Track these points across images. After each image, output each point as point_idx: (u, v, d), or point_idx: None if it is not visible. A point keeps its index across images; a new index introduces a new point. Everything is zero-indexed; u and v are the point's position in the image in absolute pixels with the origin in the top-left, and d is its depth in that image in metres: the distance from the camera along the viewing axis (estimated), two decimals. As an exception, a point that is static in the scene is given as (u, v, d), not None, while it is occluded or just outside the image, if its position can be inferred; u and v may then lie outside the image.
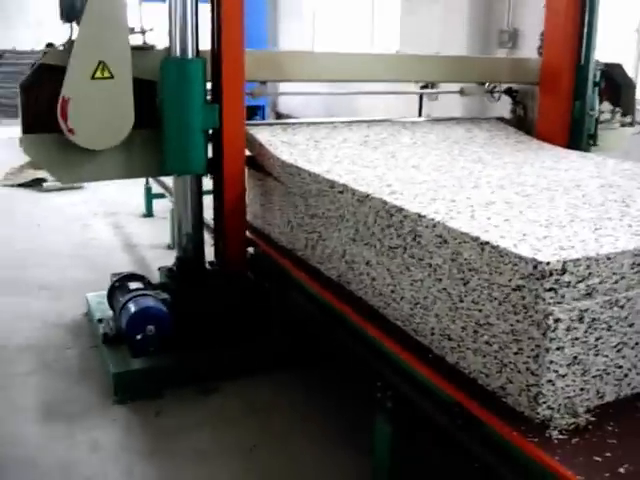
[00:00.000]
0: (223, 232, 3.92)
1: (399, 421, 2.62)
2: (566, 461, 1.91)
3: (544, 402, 2.08)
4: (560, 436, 2.04)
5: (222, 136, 3.77)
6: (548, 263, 1.99)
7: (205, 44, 3.78)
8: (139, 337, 3.33)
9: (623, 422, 2.13)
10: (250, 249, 4.10)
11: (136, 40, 3.85)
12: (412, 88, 5.08)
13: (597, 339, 2.13)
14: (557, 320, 2.01)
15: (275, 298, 3.85)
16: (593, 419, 2.12)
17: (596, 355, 2.15)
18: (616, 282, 2.15)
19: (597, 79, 4.81)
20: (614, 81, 5.34)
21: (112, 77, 3.54)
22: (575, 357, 2.09)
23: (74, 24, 3.58)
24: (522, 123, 5.09)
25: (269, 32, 12.72)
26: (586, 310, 2.07)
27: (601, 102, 5.06)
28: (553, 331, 2.02)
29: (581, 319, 2.06)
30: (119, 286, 3.69)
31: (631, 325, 2.20)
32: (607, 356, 2.17)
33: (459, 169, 3.57)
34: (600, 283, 2.11)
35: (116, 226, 6.65)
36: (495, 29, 8.76)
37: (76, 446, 3.06)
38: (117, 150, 3.67)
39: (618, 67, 5.43)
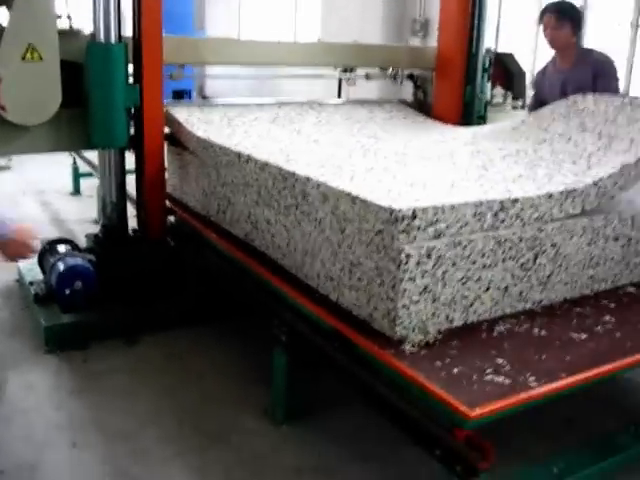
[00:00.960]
0: (144, 202, 4.32)
1: (292, 351, 3.11)
2: (412, 365, 2.42)
3: (400, 323, 2.58)
4: (412, 349, 2.55)
5: (142, 114, 4.16)
6: (400, 210, 2.49)
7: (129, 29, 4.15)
8: (68, 292, 3.73)
9: (465, 340, 2.65)
10: (171, 218, 4.52)
11: (64, 25, 4.21)
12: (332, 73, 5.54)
13: (444, 273, 2.64)
14: (408, 256, 2.51)
15: (193, 260, 4.27)
16: (441, 337, 2.65)
17: (444, 286, 2.66)
18: (460, 227, 2.67)
19: (486, 66, 5.37)
20: (507, 68, 5.96)
21: (41, 59, 3.87)
22: (425, 287, 2.60)
23: (5, 9, 3.93)
24: (422, 105, 5.60)
25: (196, 18, 13.01)
26: (433, 248, 2.57)
27: (494, 87, 5.64)
28: (405, 264, 2.52)
29: (429, 256, 2.57)
30: (49, 249, 4.07)
31: (474, 262, 2.72)
32: (454, 287, 2.69)
33: (354, 143, 4.06)
34: (446, 227, 2.62)
35: (44, 203, 6.94)
36: (408, 19, 9.32)
37: (13, 387, 3.44)
38: (46, 126, 3.97)
39: (511, 56, 6.07)
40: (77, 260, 3.82)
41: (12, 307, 4.41)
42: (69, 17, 4.34)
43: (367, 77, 5.60)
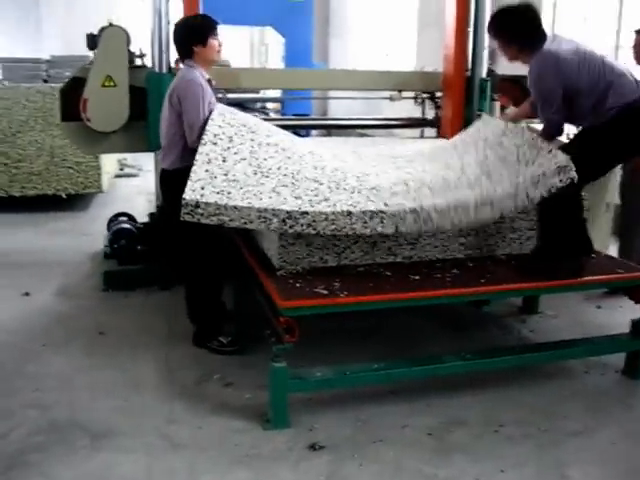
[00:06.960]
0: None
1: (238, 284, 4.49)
2: (273, 281, 3.68)
3: (280, 258, 3.84)
4: (282, 274, 3.81)
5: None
6: (184, 199, 3.59)
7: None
8: (116, 246, 5.33)
9: (326, 272, 3.82)
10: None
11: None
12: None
13: (313, 227, 3.88)
14: (281, 212, 3.79)
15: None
16: (309, 269, 3.87)
17: (316, 234, 3.83)
18: (244, 223, 3.64)
19: (485, 88, 6.34)
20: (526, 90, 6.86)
21: (115, 85, 5.49)
22: (299, 234, 3.82)
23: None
24: (440, 122, 6.69)
25: (319, 49, 14.64)
26: (302, 209, 3.82)
27: (505, 108, 6.55)
28: (279, 218, 3.80)
29: (299, 214, 3.83)
30: (113, 220, 5.71)
31: (340, 222, 3.93)
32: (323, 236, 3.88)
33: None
34: (230, 221, 3.63)
35: (150, 201, 8.73)
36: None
37: (72, 306, 5.11)
38: (119, 133, 5.58)
39: (526, 78, 6.94)
40: (124, 226, 5.44)
41: (93, 262, 6.14)
42: (142, 55, 5.96)
43: (391, 99, 6.80)
